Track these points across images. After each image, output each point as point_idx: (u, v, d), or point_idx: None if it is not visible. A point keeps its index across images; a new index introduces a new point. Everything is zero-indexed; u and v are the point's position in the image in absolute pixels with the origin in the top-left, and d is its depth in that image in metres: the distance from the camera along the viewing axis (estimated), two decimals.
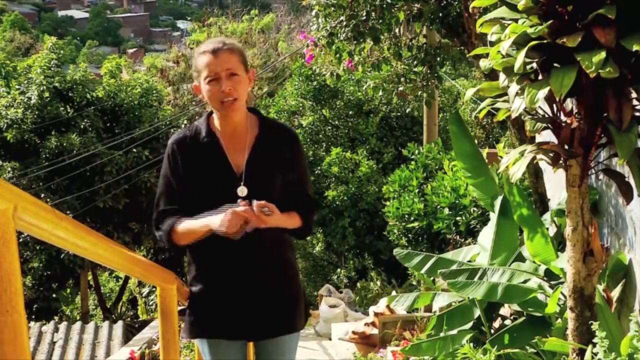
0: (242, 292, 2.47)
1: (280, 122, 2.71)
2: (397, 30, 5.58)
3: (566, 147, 2.44)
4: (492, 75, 4.05)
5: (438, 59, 5.71)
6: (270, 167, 2.46)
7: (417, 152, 8.31)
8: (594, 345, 2.42)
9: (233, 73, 2.36)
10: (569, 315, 2.63)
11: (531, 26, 2.24)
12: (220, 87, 2.35)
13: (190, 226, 2.39)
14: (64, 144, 12.12)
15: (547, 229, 3.65)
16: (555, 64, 2.24)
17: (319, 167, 12.46)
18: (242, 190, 2.40)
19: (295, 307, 2.58)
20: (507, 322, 3.81)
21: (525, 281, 3.39)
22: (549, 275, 3.46)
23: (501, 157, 5.00)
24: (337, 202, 11.81)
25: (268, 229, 2.40)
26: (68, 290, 15.20)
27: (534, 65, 2.35)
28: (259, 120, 2.52)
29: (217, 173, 2.43)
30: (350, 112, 13.46)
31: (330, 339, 7.72)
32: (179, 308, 2.93)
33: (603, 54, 2.06)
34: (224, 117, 2.43)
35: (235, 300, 2.48)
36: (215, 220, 2.30)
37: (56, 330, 9.78)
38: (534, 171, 4.99)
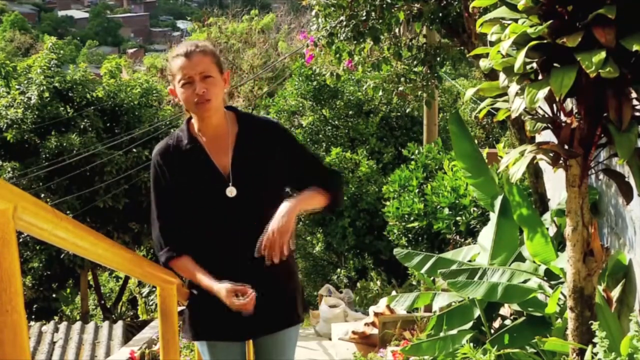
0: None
1: (259, 116, 2.69)
2: (397, 30, 5.58)
3: (566, 147, 2.44)
4: (492, 75, 4.05)
5: (438, 59, 5.71)
6: (256, 164, 2.45)
7: (417, 152, 8.31)
8: (594, 345, 2.42)
9: (206, 75, 2.35)
10: (569, 315, 2.63)
11: (531, 26, 2.24)
12: (194, 89, 2.34)
13: (193, 274, 2.42)
14: (64, 144, 12.12)
15: (547, 229, 3.65)
16: (555, 64, 2.24)
17: None
18: (231, 191, 2.40)
19: (293, 303, 2.59)
20: (507, 322, 3.81)
21: (525, 281, 3.39)
22: (549, 275, 3.46)
23: (501, 157, 5.00)
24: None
25: (256, 224, 2.38)
26: (68, 290, 15.20)
27: (534, 65, 2.35)
28: (237, 117, 2.51)
29: (204, 177, 2.42)
30: (350, 112, 13.46)
31: (330, 339, 7.72)
32: (179, 308, 2.93)
33: (603, 54, 2.06)
34: (201, 119, 2.42)
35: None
36: (221, 290, 2.32)
37: (56, 330, 9.78)
38: (534, 171, 4.99)
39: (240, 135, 2.47)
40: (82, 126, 12.62)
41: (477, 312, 3.66)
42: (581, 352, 2.57)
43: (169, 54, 2.59)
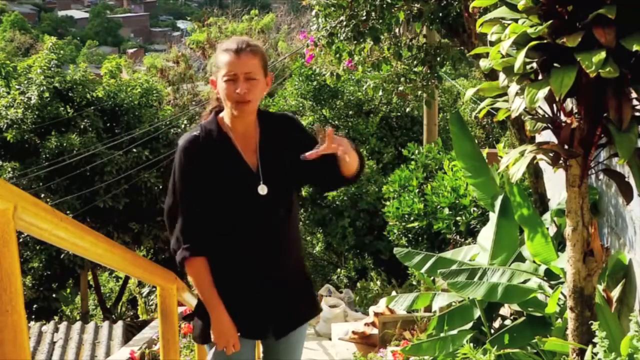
0: (263, 288, 2.46)
1: (276, 112, 2.69)
2: (397, 30, 5.58)
3: (566, 147, 2.43)
4: (492, 75, 4.05)
5: (438, 59, 5.71)
6: (281, 161, 2.47)
7: (417, 152, 8.31)
8: (594, 345, 2.42)
9: (251, 77, 2.35)
10: (569, 315, 2.63)
11: (531, 26, 2.24)
12: (236, 88, 2.34)
13: (203, 281, 2.41)
14: (64, 144, 12.10)
15: (547, 228, 3.65)
16: (555, 64, 2.24)
17: None
18: (262, 189, 2.41)
19: (312, 296, 2.62)
20: (507, 322, 3.81)
21: (525, 281, 3.39)
22: (549, 275, 3.46)
23: (501, 157, 5.00)
24: (337, 202, 11.81)
25: (284, 222, 2.46)
26: (68, 290, 15.19)
27: (534, 65, 2.35)
28: (258, 116, 2.51)
29: (236, 173, 2.42)
30: (350, 112, 13.45)
31: (330, 339, 7.72)
32: (182, 309, 2.93)
33: (603, 54, 2.06)
34: (237, 117, 2.41)
35: (255, 297, 2.46)
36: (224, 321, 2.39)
37: (56, 330, 9.78)
38: (534, 171, 5.00)
39: (264, 134, 2.48)
40: (82, 126, 12.61)
41: (478, 313, 3.66)
42: (581, 352, 2.57)
43: (218, 44, 2.54)
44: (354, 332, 6.79)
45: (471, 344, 2.86)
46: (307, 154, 2.28)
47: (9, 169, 12.31)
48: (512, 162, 2.45)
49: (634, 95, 2.31)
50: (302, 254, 2.67)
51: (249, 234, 2.42)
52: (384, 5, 5.02)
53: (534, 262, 3.55)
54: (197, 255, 2.40)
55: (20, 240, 11.78)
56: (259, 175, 2.42)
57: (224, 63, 2.36)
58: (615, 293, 3.10)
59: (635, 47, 2.04)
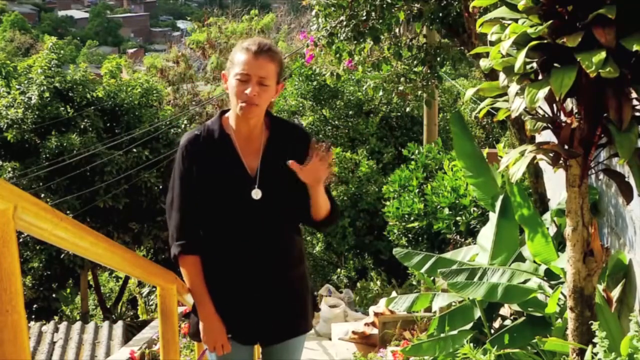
0: (252, 295, 2.45)
1: (289, 122, 2.66)
2: (397, 30, 5.58)
3: (566, 147, 2.43)
4: (492, 75, 4.05)
5: (438, 59, 5.71)
6: (283, 169, 2.42)
7: (417, 152, 8.31)
8: (594, 345, 2.42)
9: (263, 83, 2.33)
10: (569, 315, 2.63)
11: (531, 26, 2.24)
12: (246, 89, 2.31)
13: (195, 280, 2.41)
14: (64, 144, 12.11)
15: (547, 228, 3.65)
16: (555, 64, 2.24)
17: None
18: (256, 193, 2.39)
19: (305, 309, 2.58)
20: (507, 322, 3.81)
21: (525, 281, 3.39)
22: (549, 275, 3.46)
23: (501, 157, 5.00)
24: (337, 202, 11.81)
25: (277, 229, 2.43)
26: (68, 290, 15.20)
27: (534, 65, 2.35)
28: (270, 120, 2.49)
29: (231, 175, 2.40)
30: (350, 112, 13.46)
31: (330, 339, 7.71)
32: (181, 309, 2.93)
33: (603, 54, 2.06)
34: (241, 118, 2.39)
35: (245, 302, 2.45)
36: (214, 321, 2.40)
37: (56, 330, 9.78)
38: (534, 171, 5.00)
39: (271, 139, 2.46)
40: (82, 126, 12.61)
41: (478, 313, 3.66)
42: (581, 352, 2.57)
43: (239, 41, 2.52)
44: (354, 332, 6.79)
45: (471, 344, 2.86)
46: (290, 161, 2.31)
47: (9, 169, 12.31)
48: (512, 162, 2.45)
49: (634, 95, 2.31)
50: (303, 268, 2.59)
51: (241, 238, 2.41)
52: (384, 5, 5.02)
53: (534, 262, 3.55)
54: (189, 253, 2.40)
55: (20, 240, 11.78)
56: (255, 179, 2.40)
57: (240, 61, 2.34)
58: (615, 293, 3.11)
59: (635, 47, 2.04)
